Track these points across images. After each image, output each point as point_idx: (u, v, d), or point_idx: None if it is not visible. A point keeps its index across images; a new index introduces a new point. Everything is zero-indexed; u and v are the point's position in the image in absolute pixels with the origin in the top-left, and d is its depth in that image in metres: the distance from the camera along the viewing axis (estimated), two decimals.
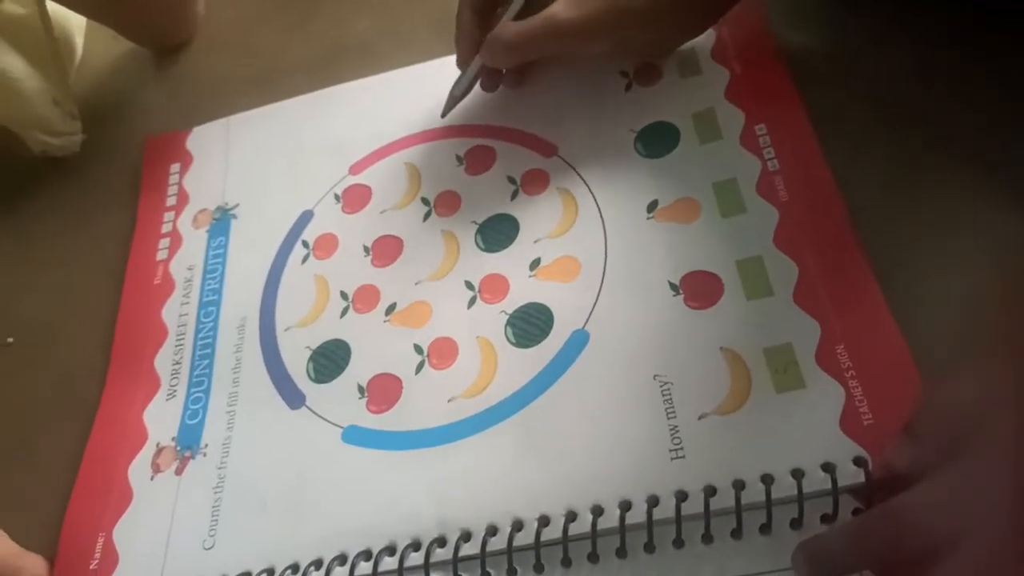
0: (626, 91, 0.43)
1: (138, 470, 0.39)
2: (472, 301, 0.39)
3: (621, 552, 0.31)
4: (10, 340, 0.47)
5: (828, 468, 0.30)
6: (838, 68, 0.40)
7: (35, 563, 0.37)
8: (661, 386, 0.34)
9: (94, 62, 0.59)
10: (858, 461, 0.30)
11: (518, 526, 0.32)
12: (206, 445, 0.39)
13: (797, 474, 0.30)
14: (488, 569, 0.32)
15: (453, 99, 0.44)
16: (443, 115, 0.45)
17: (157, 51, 0.58)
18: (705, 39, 0.43)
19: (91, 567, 0.37)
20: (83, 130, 0.54)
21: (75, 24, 0.57)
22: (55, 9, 0.53)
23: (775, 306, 0.35)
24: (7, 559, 0.37)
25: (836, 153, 0.38)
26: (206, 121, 0.52)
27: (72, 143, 0.53)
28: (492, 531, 0.33)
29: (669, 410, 0.33)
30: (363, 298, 0.41)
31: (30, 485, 0.41)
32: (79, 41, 0.58)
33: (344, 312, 0.41)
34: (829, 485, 0.30)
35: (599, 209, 0.40)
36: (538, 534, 0.32)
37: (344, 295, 0.42)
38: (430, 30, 0.51)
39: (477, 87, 0.45)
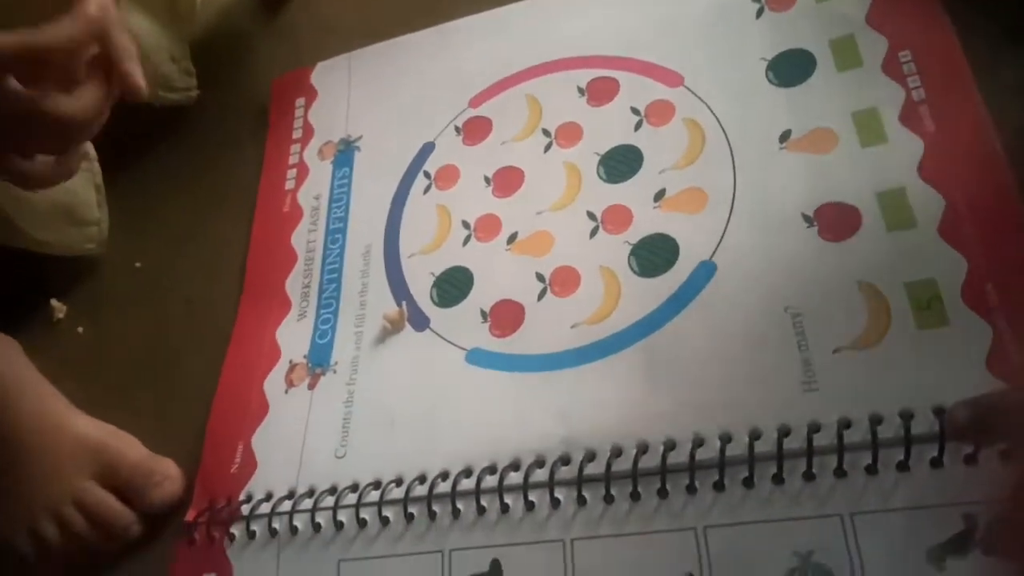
0: (757, 18, 0.42)
1: (273, 384, 0.41)
2: (594, 231, 0.39)
3: (749, 482, 0.31)
4: (138, 265, 0.50)
5: None
6: None
7: (167, 466, 0.41)
8: (793, 318, 0.33)
9: (208, 7, 0.60)
10: None
11: (643, 448, 0.33)
12: (336, 363, 0.41)
13: (939, 412, 0.29)
14: (611, 491, 0.33)
15: None
16: None
17: None
18: None
19: (232, 471, 0.40)
20: (203, 73, 0.55)
21: None
22: None
23: (918, 239, 0.33)
24: (142, 461, 0.41)
25: (989, 82, 0.35)
26: (322, 60, 0.53)
27: (187, 99, 0.54)
28: (617, 452, 0.33)
29: (801, 343, 0.33)
30: (485, 227, 0.42)
31: (170, 400, 0.44)
32: None
33: (466, 240, 0.42)
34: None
35: (728, 139, 0.39)
36: (664, 457, 0.32)
37: (466, 224, 0.42)
38: None
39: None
